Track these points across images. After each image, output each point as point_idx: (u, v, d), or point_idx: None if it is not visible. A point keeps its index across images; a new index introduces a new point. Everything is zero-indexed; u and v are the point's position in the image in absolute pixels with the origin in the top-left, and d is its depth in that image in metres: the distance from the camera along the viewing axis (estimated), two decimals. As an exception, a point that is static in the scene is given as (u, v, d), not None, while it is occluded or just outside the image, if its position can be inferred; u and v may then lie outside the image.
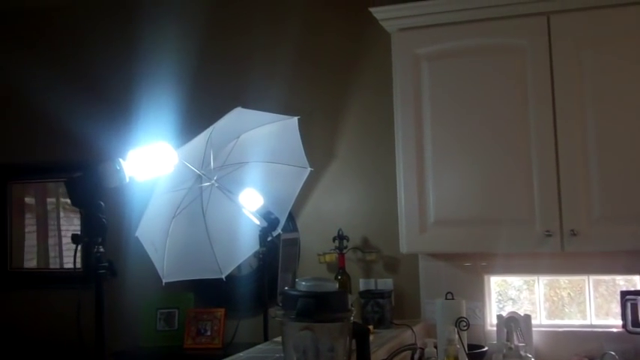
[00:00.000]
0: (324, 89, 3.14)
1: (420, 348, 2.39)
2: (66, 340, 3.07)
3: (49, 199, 3.62)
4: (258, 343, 2.47)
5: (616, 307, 2.67)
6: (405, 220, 2.66)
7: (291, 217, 3.08)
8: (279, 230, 2.70)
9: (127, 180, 1.72)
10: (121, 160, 1.72)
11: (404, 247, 2.69)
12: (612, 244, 2.44)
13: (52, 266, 3.56)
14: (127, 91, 3.38)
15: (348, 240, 2.96)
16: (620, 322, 2.58)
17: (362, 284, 2.98)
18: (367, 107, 3.08)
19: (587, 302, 2.76)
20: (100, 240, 1.68)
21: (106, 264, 1.69)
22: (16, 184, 3.64)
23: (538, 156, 2.51)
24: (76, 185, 1.66)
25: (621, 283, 2.73)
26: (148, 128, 3.16)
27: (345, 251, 2.95)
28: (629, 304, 2.51)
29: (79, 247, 1.70)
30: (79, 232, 1.74)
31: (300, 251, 3.07)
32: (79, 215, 3.51)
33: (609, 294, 2.76)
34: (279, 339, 2.38)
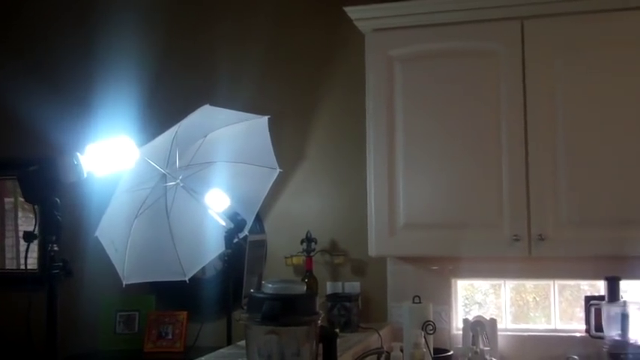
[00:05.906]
0: (295, 89, 3.09)
1: (387, 352, 2.37)
2: (19, 342, 2.95)
3: (6, 199, 3.49)
4: (221, 347, 2.41)
5: (580, 312, 2.69)
6: (374, 223, 2.63)
7: (259, 219, 3.02)
8: (245, 232, 2.64)
9: (85, 175, 1.66)
10: (78, 154, 1.65)
11: (373, 250, 2.66)
12: (579, 250, 2.45)
13: (8, 267, 3.45)
14: (87, 85, 3.27)
15: (316, 242, 2.92)
16: (583, 327, 2.60)
17: (329, 287, 2.95)
18: (339, 108, 3.04)
19: (552, 307, 2.78)
20: (54, 238, 1.62)
21: (60, 263, 1.63)
22: (-31, 181, 3.48)
23: (508, 161, 2.51)
24: (30, 179, 1.59)
25: (585, 288, 2.75)
26: (108, 124, 3.06)
27: (312, 254, 2.90)
28: (592, 309, 2.54)
29: (35, 247, 1.63)
30: (32, 230, 1.67)
31: (267, 253, 3.01)
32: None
33: (574, 299, 2.78)
34: (243, 343, 2.34)
